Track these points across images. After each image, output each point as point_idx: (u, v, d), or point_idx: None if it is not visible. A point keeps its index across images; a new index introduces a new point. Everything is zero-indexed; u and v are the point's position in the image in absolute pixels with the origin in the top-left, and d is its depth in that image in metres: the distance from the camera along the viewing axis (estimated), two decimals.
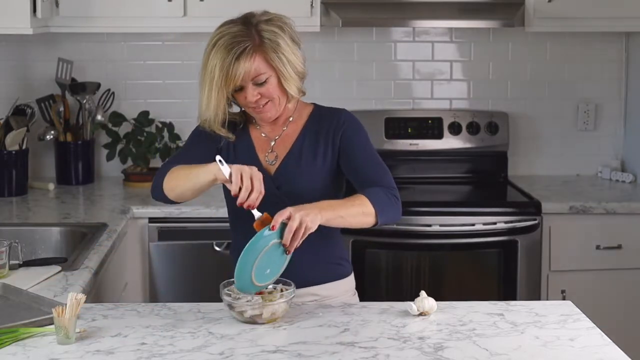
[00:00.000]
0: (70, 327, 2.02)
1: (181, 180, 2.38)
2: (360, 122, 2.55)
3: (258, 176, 2.24)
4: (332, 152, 2.50)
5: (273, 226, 2.17)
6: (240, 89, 2.38)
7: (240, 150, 2.52)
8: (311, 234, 2.26)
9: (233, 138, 2.51)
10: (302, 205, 2.25)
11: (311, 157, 2.49)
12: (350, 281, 2.60)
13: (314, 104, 2.60)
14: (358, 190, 2.45)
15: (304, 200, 2.38)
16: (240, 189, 2.22)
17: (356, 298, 2.62)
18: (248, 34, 2.35)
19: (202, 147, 2.52)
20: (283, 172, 2.49)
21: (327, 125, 2.51)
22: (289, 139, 2.52)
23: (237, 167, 2.24)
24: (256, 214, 2.25)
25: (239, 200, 2.22)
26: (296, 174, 2.48)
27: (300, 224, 2.19)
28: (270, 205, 2.41)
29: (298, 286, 2.31)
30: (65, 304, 2.03)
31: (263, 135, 2.54)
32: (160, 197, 2.48)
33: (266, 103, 2.42)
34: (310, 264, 2.47)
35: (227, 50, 2.33)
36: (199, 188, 2.35)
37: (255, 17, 2.40)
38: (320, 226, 2.34)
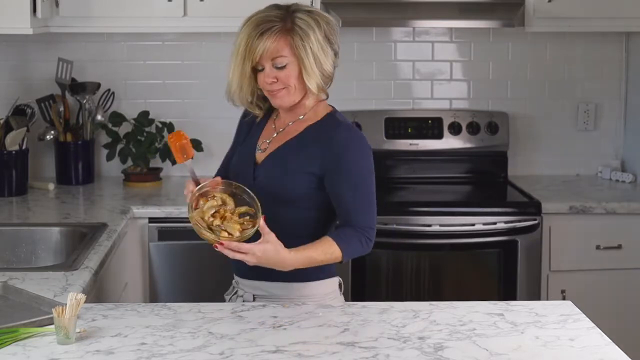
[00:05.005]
0: (70, 327, 2.02)
1: None
2: (363, 145, 2.43)
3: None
4: (319, 165, 2.40)
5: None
6: (262, 69, 2.40)
7: (252, 131, 2.58)
8: (301, 236, 2.37)
9: (260, 114, 2.55)
10: (272, 259, 2.27)
11: (296, 160, 2.43)
12: (332, 283, 2.51)
13: (333, 108, 2.53)
14: (338, 217, 2.46)
15: (279, 200, 2.40)
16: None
17: (340, 300, 2.53)
18: (282, 18, 2.38)
19: (241, 133, 2.64)
20: (266, 165, 2.48)
21: (325, 137, 2.42)
22: (289, 135, 2.49)
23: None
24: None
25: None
26: (278, 172, 2.44)
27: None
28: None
29: (274, 279, 2.40)
30: (65, 304, 2.03)
31: (273, 127, 2.54)
32: None
33: (281, 89, 2.41)
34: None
35: (255, 26, 2.37)
36: None
37: (297, 5, 2.43)
38: (310, 228, 2.43)
